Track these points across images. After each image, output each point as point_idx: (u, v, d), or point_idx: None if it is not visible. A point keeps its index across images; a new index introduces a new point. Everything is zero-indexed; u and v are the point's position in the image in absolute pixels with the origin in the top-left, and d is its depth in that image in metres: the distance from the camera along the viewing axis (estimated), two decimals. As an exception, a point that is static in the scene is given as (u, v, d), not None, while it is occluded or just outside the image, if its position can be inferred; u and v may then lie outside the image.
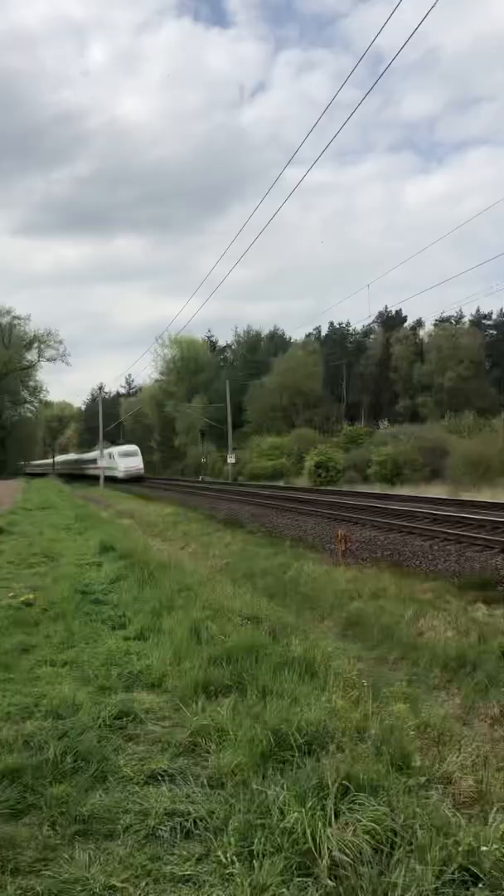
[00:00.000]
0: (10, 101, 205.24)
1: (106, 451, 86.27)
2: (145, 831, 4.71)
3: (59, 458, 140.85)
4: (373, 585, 14.21)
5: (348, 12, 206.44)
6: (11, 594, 12.16)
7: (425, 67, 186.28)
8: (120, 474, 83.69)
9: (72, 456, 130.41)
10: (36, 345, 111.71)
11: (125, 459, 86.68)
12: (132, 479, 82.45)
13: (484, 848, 4.16)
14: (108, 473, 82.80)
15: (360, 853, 4.23)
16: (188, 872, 4.27)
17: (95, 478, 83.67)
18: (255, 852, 4.32)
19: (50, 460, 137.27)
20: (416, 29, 12.44)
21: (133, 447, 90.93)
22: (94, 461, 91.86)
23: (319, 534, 22.57)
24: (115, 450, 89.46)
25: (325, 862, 4.18)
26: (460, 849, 4.19)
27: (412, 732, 6.15)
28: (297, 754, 5.45)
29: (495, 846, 4.21)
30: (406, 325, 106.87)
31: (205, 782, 5.32)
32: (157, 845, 4.57)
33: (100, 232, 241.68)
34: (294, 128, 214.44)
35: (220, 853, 4.37)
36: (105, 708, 6.71)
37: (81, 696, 7.02)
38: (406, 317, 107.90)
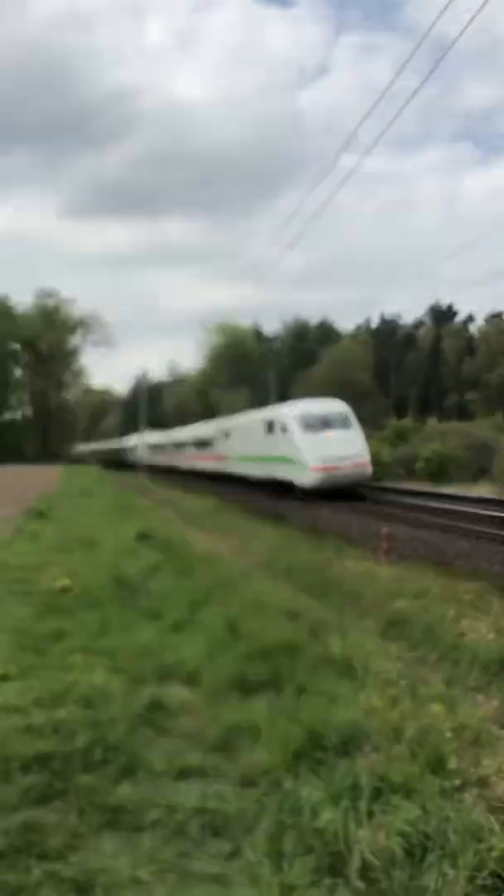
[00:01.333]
0: (64, 79, 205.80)
1: (257, 419, 39.36)
2: (173, 826, 4.67)
3: (116, 443, 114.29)
4: (415, 585, 14.01)
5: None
6: (49, 579, 12.19)
7: (489, 56, 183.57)
8: (308, 480, 31.35)
9: (116, 443, 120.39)
10: (81, 328, 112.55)
11: (321, 443, 31.61)
12: (337, 491, 30.83)
13: (517, 854, 4.06)
14: (271, 474, 35.25)
15: (392, 856, 4.17)
16: (216, 871, 4.22)
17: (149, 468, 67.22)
18: (285, 852, 4.25)
19: (93, 446, 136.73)
20: (477, 14, 12.15)
21: (337, 406, 35.58)
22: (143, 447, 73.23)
23: (363, 530, 22.34)
24: (286, 413, 34.75)
25: (355, 864, 4.11)
26: (493, 854, 4.13)
27: (448, 734, 6.02)
28: (331, 754, 5.35)
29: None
30: (457, 319, 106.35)
31: (236, 780, 5.26)
32: (185, 841, 4.52)
33: (150, 214, 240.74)
34: (354, 113, 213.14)
35: (249, 852, 4.31)
36: (137, 699, 6.68)
37: (113, 686, 6.99)
38: (457, 311, 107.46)
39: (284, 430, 32.99)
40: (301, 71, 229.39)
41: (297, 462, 31.39)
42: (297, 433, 32.03)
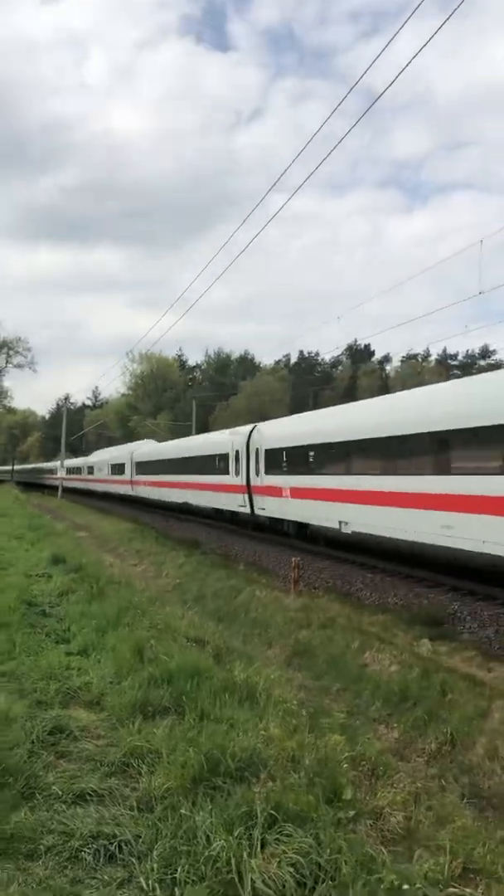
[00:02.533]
0: (2, 105, 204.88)
1: None
2: (68, 853, 4.64)
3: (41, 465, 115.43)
4: (322, 615, 14.19)
5: (351, 46, 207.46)
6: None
7: (417, 108, 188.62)
8: None
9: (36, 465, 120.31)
10: (4, 350, 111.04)
11: None
12: None
13: (406, 887, 4.15)
14: None
15: (284, 886, 4.20)
16: (107, 899, 4.19)
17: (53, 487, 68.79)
18: (178, 879, 4.28)
19: (18, 467, 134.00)
20: (406, 66, 12.53)
21: None
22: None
23: (273, 560, 22.50)
24: None
25: (247, 893, 4.15)
26: (383, 886, 4.18)
27: (345, 765, 6.13)
28: (228, 781, 5.40)
29: (418, 885, 4.19)
30: (374, 359, 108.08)
31: (133, 805, 5.25)
32: (79, 868, 4.50)
33: (81, 242, 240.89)
34: (286, 155, 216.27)
35: (142, 879, 4.32)
36: (40, 723, 6.62)
37: (17, 709, 6.92)
38: (374, 351, 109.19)
39: None
40: (237, 112, 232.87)
41: None
42: None
